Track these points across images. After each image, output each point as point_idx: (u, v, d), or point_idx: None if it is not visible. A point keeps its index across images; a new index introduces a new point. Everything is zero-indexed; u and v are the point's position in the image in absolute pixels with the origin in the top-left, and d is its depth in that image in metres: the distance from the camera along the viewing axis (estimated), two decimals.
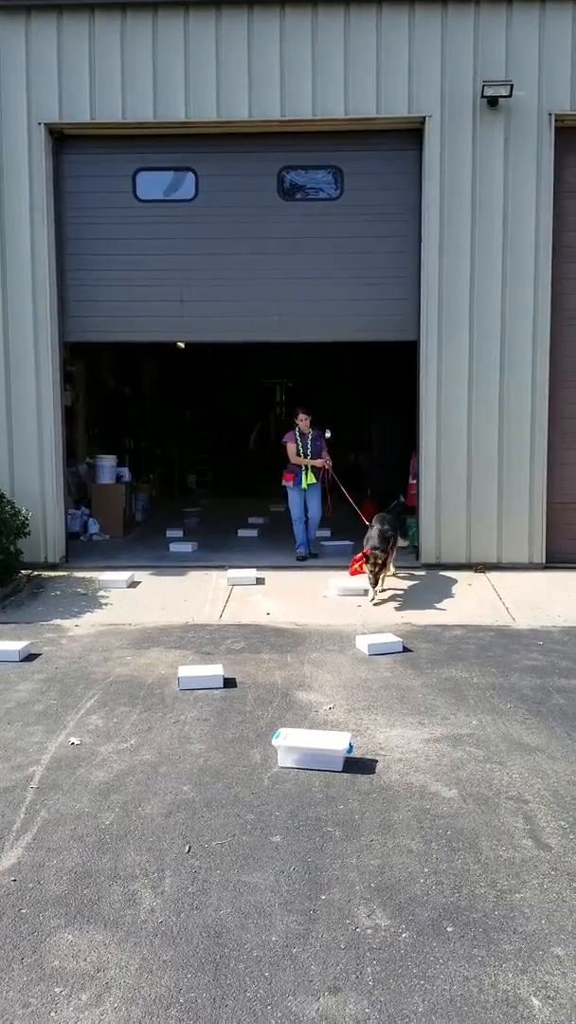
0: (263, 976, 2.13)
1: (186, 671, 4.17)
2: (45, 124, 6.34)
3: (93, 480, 8.21)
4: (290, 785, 3.10)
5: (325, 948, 2.23)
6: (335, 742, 3.24)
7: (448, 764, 3.27)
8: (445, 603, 5.65)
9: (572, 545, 6.54)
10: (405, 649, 4.65)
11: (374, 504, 8.04)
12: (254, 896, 2.45)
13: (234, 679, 4.18)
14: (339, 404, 10.53)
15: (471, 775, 3.18)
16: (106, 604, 5.70)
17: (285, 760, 3.23)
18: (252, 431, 12.52)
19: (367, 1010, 2.01)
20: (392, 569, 5.89)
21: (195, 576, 6.37)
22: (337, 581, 5.93)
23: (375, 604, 5.51)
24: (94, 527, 7.90)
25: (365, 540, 5.64)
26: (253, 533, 7.93)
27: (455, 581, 6.12)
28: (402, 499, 7.70)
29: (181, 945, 2.25)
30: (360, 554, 5.54)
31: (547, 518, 6.48)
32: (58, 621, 5.31)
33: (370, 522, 5.93)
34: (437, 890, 2.47)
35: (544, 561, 6.48)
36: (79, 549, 7.25)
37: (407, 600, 5.71)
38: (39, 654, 4.65)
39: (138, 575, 6.34)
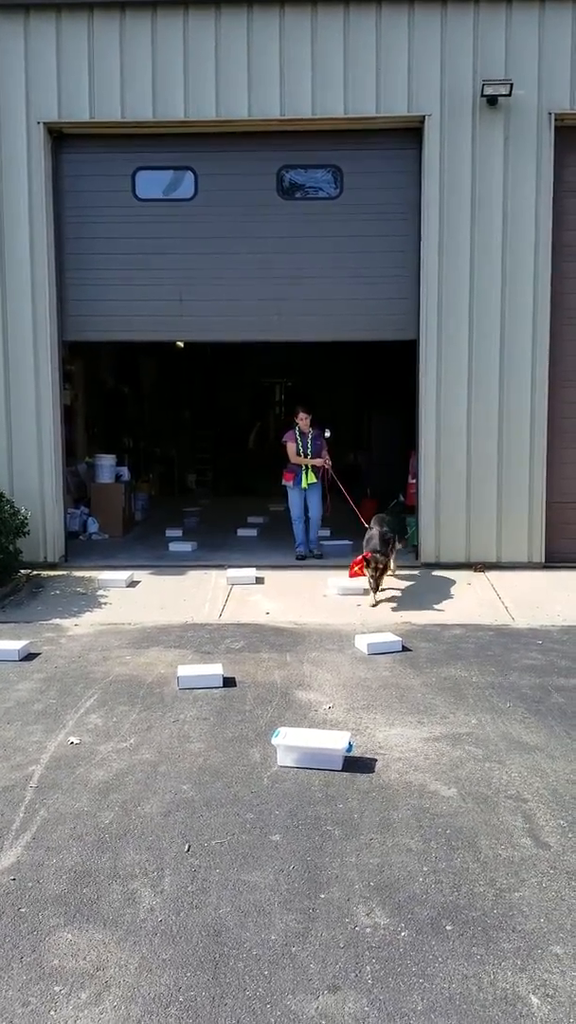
0: (262, 975, 2.13)
1: (185, 670, 4.17)
2: (44, 123, 6.33)
3: (92, 479, 8.21)
4: (289, 784, 3.10)
5: (324, 947, 2.23)
6: (334, 741, 3.24)
7: (447, 763, 3.27)
8: (444, 602, 5.66)
9: (571, 544, 6.55)
10: (404, 648, 4.65)
11: (374, 503, 8.05)
12: (253, 895, 2.45)
13: (233, 678, 4.18)
14: (338, 403, 10.53)
15: (470, 774, 3.18)
16: (105, 603, 5.70)
17: (284, 759, 3.24)
18: (251, 430, 12.51)
19: (366, 1008, 2.02)
20: (393, 568, 5.88)
21: (194, 575, 6.37)
22: (337, 580, 5.93)
23: (374, 606, 5.51)
24: (93, 526, 7.89)
25: (365, 542, 5.63)
26: (252, 532, 7.93)
27: (454, 580, 6.12)
28: (401, 498, 7.70)
29: (180, 944, 2.25)
30: (360, 557, 5.51)
31: (546, 517, 6.48)
32: (57, 620, 5.31)
33: (369, 523, 5.92)
34: (436, 889, 2.48)
35: (543, 560, 6.49)
36: (78, 548, 7.25)
37: (406, 599, 5.71)
38: (38, 653, 4.65)
39: (137, 574, 6.34)
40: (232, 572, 6.23)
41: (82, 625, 5.22)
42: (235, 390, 12.27)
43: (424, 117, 6.23)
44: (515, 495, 6.45)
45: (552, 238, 6.31)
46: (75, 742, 3.48)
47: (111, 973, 2.14)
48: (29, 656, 4.59)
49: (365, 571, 5.48)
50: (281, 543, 7.23)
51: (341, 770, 3.18)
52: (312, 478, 6.63)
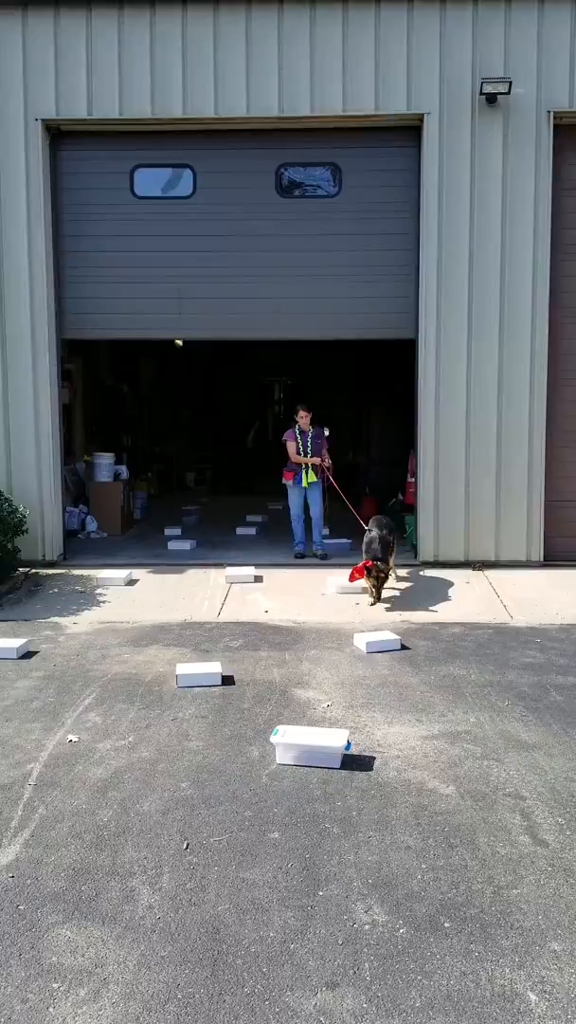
0: (261, 972, 2.13)
1: (184, 669, 4.17)
2: (42, 120, 6.31)
3: (91, 478, 8.20)
4: (288, 782, 3.10)
5: (323, 944, 2.23)
6: (333, 739, 3.25)
7: (446, 761, 3.28)
8: (443, 601, 5.66)
9: (570, 543, 6.55)
10: (403, 647, 4.65)
11: (373, 502, 8.05)
12: (252, 892, 2.45)
13: (232, 677, 4.19)
14: (338, 402, 10.52)
15: (469, 772, 3.19)
16: (104, 602, 5.69)
17: (283, 757, 3.24)
18: (250, 429, 12.50)
19: (365, 1005, 2.02)
20: (392, 568, 5.86)
21: (193, 574, 6.36)
22: (336, 579, 5.93)
23: (372, 605, 5.50)
24: (92, 525, 7.89)
25: (364, 546, 5.58)
26: (251, 531, 7.92)
27: (453, 579, 6.13)
28: (400, 497, 7.70)
29: (179, 941, 2.25)
30: (360, 564, 5.43)
31: (545, 516, 6.48)
32: (56, 619, 5.31)
33: (367, 524, 5.90)
34: (435, 886, 2.48)
35: (542, 559, 6.49)
36: (77, 547, 7.24)
37: (405, 598, 5.71)
38: (37, 651, 4.64)
39: (136, 573, 6.34)
40: (231, 571, 6.22)
41: (81, 623, 5.22)
42: (234, 388, 12.26)
43: (423, 115, 6.22)
44: (514, 494, 6.45)
45: (551, 236, 6.30)
46: (74, 740, 3.48)
47: (110, 970, 2.15)
48: (28, 654, 4.59)
49: (366, 580, 5.41)
50: (280, 542, 7.23)
51: (340, 768, 3.19)
52: (312, 477, 6.62)
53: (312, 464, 6.61)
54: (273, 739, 3.27)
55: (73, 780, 3.15)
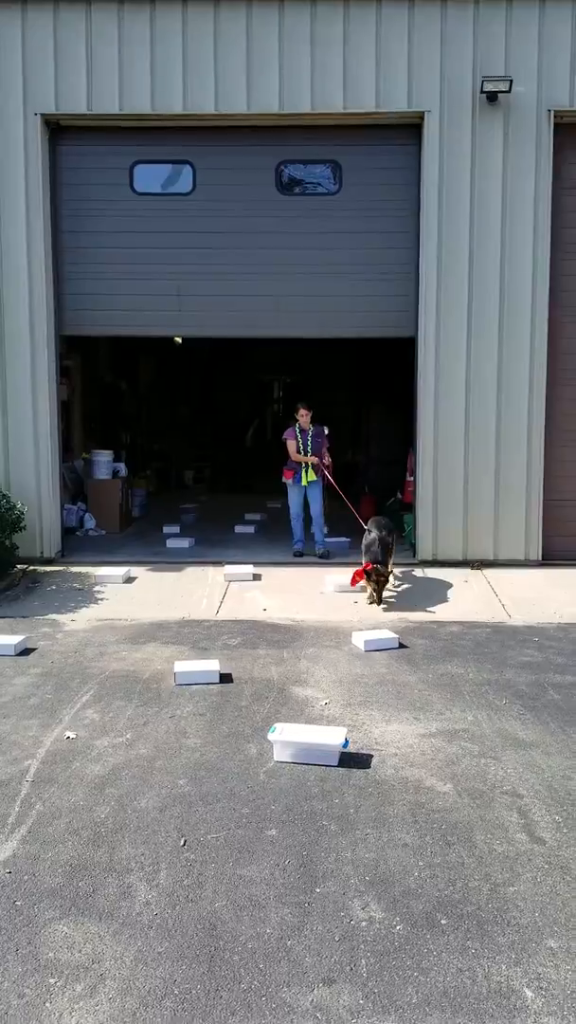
0: (258, 968, 2.13)
1: (182, 666, 4.17)
2: (41, 115, 6.29)
3: (89, 475, 8.19)
4: (286, 779, 3.10)
5: (320, 940, 2.23)
6: (331, 737, 3.25)
7: (443, 759, 3.28)
8: (441, 600, 5.66)
9: (568, 542, 6.56)
10: (401, 645, 4.65)
11: (371, 500, 8.05)
12: (249, 889, 2.45)
13: (230, 674, 4.18)
14: (337, 401, 10.52)
15: (466, 770, 3.19)
16: (102, 599, 5.69)
17: (281, 755, 3.24)
18: (249, 427, 12.49)
19: (361, 1001, 2.02)
20: (391, 569, 5.84)
21: (192, 572, 6.36)
22: (334, 578, 5.93)
23: (371, 603, 5.50)
24: (90, 522, 7.88)
25: (364, 548, 5.56)
26: (250, 529, 7.92)
27: (451, 578, 6.13)
28: (399, 496, 7.70)
29: (176, 937, 2.25)
30: (361, 568, 5.40)
31: (544, 515, 6.49)
32: (54, 616, 5.30)
33: (367, 524, 5.89)
34: (431, 883, 2.48)
35: (540, 558, 6.50)
36: (75, 544, 7.24)
37: (403, 597, 5.71)
38: (35, 648, 4.64)
39: (134, 570, 6.33)
40: (230, 569, 6.22)
41: (79, 620, 5.22)
42: (233, 386, 12.25)
43: (424, 113, 6.21)
44: (512, 493, 6.46)
45: (551, 235, 6.30)
46: (71, 737, 3.48)
47: (106, 966, 2.15)
48: (25, 651, 4.58)
49: (367, 583, 5.39)
50: (279, 540, 7.23)
51: (337, 766, 3.19)
52: (312, 476, 6.61)
53: (312, 463, 6.60)
54: (271, 737, 3.27)
55: (70, 777, 3.14)
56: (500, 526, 6.49)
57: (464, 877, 2.52)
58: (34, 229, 6.36)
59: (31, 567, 6.40)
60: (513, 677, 4.19)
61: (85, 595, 5.77)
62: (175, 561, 6.68)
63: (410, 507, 6.98)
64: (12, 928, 2.30)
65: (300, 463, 6.62)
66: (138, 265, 6.58)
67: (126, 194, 6.57)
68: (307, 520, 6.82)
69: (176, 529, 7.87)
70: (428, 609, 5.45)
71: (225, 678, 4.12)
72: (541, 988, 2.07)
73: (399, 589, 5.84)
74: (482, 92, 6.08)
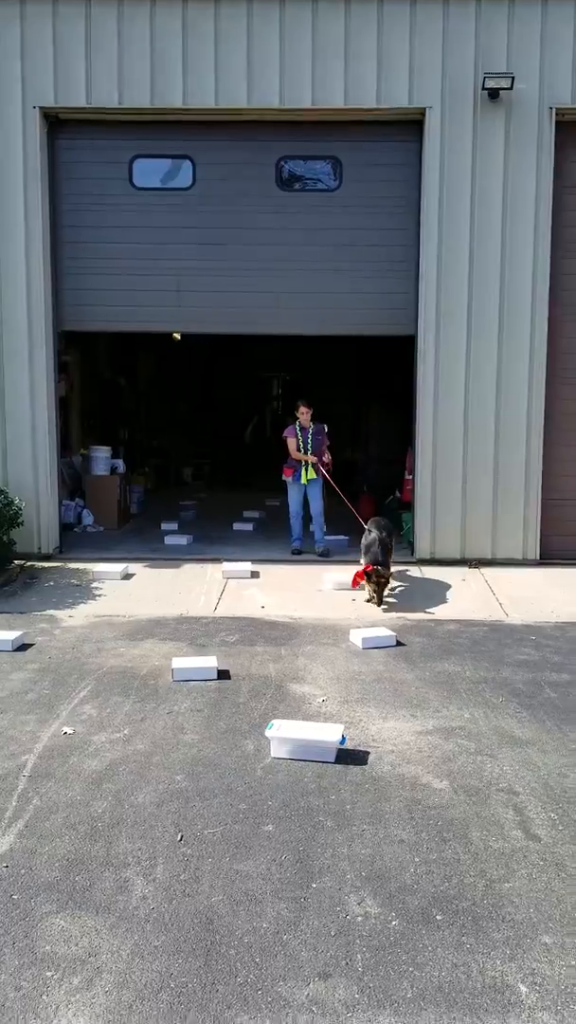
0: (254, 962, 2.14)
1: (180, 662, 4.18)
2: (40, 108, 6.26)
3: (87, 471, 8.17)
4: (283, 775, 3.11)
5: (315, 935, 2.24)
6: (328, 733, 3.26)
7: (440, 756, 3.29)
8: (439, 598, 5.68)
9: (566, 542, 6.57)
10: (398, 643, 4.66)
11: (370, 499, 8.05)
12: (246, 884, 2.46)
13: (228, 671, 4.19)
14: (336, 398, 10.52)
15: (462, 767, 3.20)
16: (100, 595, 5.69)
17: (278, 751, 3.25)
18: (248, 424, 12.48)
19: (356, 995, 2.03)
20: (391, 569, 5.82)
21: (190, 569, 6.36)
22: (332, 575, 5.94)
23: (368, 600, 5.51)
24: (88, 519, 7.87)
25: (364, 548, 5.55)
26: (248, 527, 7.92)
27: (449, 577, 6.14)
28: (398, 495, 7.70)
29: (172, 931, 2.26)
30: (361, 570, 5.38)
31: (542, 514, 6.50)
32: (52, 612, 5.30)
33: (366, 524, 5.88)
34: (427, 879, 2.50)
35: (538, 557, 6.51)
36: (73, 540, 7.23)
37: (401, 595, 5.72)
38: (32, 644, 4.64)
39: (132, 567, 6.33)
40: (228, 566, 6.22)
41: (76, 616, 5.21)
42: (232, 383, 12.23)
43: (425, 109, 6.20)
44: (511, 492, 6.46)
45: (552, 234, 6.30)
46: (69, 732, 3.48)
47: (103, 959, 2.15)
48: (23, 647, 4.58)
49: (367, 585, 5.37)
50: (277, 538, 7.23)
51: (334, 762, 3.20)
52: (312, 474, 6.60)
53: (311, 462, 6.58)
54: (268, 733, 3.28)
55: (68, 772, 3.15)
56: (498, 525, 6.49)
57: (460, 873, 2.53)
58: (32, 223, 6.33)
59: (29, 563, 6.40)
60: (510, 675, 4.21)
61: (83, 591, 5.77)
62: (173, 558, 6.68)
63: (409, 506, 6.99)
64: (9, 922, 2.30)
65: (300, 461, 6.62)
66: (137, 260, 6.56)
67: (125, 188, 6.54)
68: (306, 518, 6.82)
69: (174, 526, 7.86)
70: (426, 607, 5.46)
71: (223, 675, 4.13)
72: (535, 983, 2.08)
73: (396, 590, 5.84)
74: (484, 89, 6.07)
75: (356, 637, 4.68)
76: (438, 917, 2.32)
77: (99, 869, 2.54)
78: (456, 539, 6.51)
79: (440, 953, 2.18)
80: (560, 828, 2.79)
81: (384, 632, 4.73)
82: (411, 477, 6.89)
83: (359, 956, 2.16)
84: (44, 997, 2.03)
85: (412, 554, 6.61)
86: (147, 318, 6.71)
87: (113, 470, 8.21)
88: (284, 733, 3.26)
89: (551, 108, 6.17)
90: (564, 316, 6.47)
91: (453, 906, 2.37)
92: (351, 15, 6.11)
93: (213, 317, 6.68)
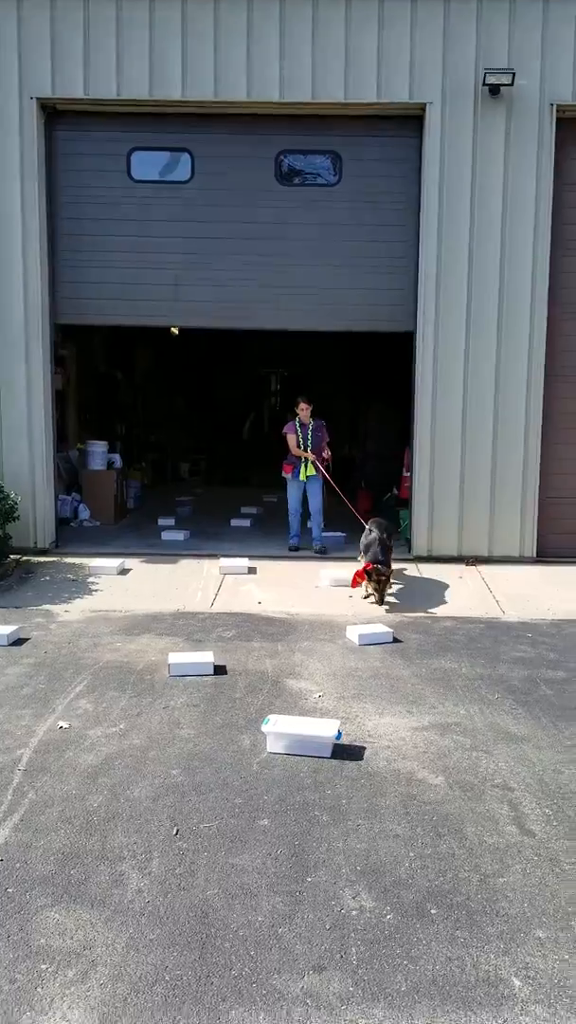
0: (248, 955, 2.15)
1: (176, 658, 4.17)
2: (37, 99, 6.21)
3: (84, 466, 8.15)
4: (279, 770, 3.12)
5: (310, 928, 2.25)
6: (324, 729, 3.26)
7: (435, 752, 3.30)
8: (436, 595, 5.68)
9: (563, 540, 6.59)
10: (395, 639, 4.67)
11: (368, 496, 8.05)
12: (241, 878, 2.47)
13: (224, 666, 4.19)
14: (334, 395, 10.50)
15: (458, 763, 3.21)
16: (96, 590, 5.68)
17: (274, 746, 3.25)
18: (246, 420, 12.45)
19: (351, 988, 2.04)
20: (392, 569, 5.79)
21: (187, 564, 6.35)
22: (329, 572, 5.94)
23: (365, 598, 5.50)
24: (84, 513, 7.84)
25: (363, 548, 5.53)
26: (246, 523, 7.91)
27: (446, 574, 6.15)
28: (395, 492, 7.70)
29: (168, 925, 2.26)
30: (361, 568, 5.35)
31: (539, 513, 6.51)
32: (48, 606, 5.29)
33: (366, 522, 5.87)
34: (422, 874, 2.50)
35: (535, 555, 6.53)
36: (69, 535, 7.21)
37: (398, 592, 5.72)
38: (28, 639, 4.63)
39: (129, 562, 6.31)
40: (225, 562, 6.22)
41: (72, 611, 5.20)
42: (230, 378, 12.19)
43: (425, 105, 6.17)
44: (508, 490, 6.47)
45: (551, 231, 6.29)
46: (64, 727, 3.48)
47: (98, 952, 2.15)
48: (18, 641, 4.57)
49: (368, 583, 5.34)
50: (275, 534, 7.22)
51: (330, 757, 3.20)
52: (311, 470, 6.59)
53: (311, 459, 6.56)
54: (264, 728, 3.28)
55: (63, 766, 3.15)
56: (496, 523, 6.50)
57: (454, 868, 2.54)
58: (29, 215, 6.29)
59: (25, 557, 6.38)
60: (506, 672, 4.22)
61: (79, 586, 5.76)
62: (170, 553, 6.67)
63: (406, 503, 6.99)
64: (4, 915, 2.30)
65: (299, 458, 6.60)
66: (135, 253, 6.52)
67: (123, 181, 6.50)
68: (305, 515, 6.81)
69: (171, 521, 7.85)
70: (423, 604, 5.46)
71: (219, 670, 4.13)
72: (529, 977, 2.09)
73: (394, 589, 5.84)
74: (484, 85, 6.05)
75: (353, 633, 4.69)
76: (432, 911, 2.33)
77: (94, 863, 2.54)
78: (453, 536, 6.52)
79: (434, 947, 2.18)
80: (554, 824, 2.81)
81: (381, 629, 4.73)
82: (409, 474, 6.88)
83: (353, 949, 2.17)
84: (39, 990, 2.03)
85: (409, 551, 6.61)
86: (145, 312, 6.68)
87: (110, 465, 8.18)
88: (280, 728, 3.26)
89: (552, 105, 6.16)
90: (563, 315, 6.47)
91: (447, 900, 2.38)
92: (352, 8, 6.07)
93: (211, 312, 6.65)
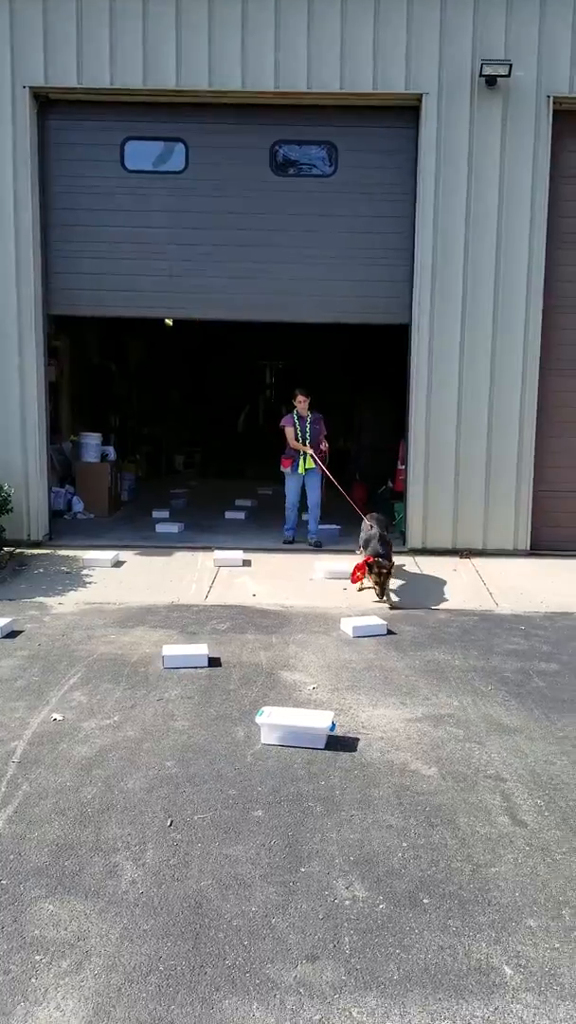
0: (242, 945, 2.16)
1: (170, 650, 4.17)
2: (30, 88, 6.12)
3: (78, 458, 8.10)
4: (272, 762, 3.12)
5: (304, 918, 2.26)
6: (318, 720, 3.27)
7: (429, 743, 3.32)
8: (430, 587, 5.70)
9: (557, 533, 6.62)
10: (389, 632, 4.69)
11: (363, 488, 8.05)
12: (235, 868, 2.48)
13: (219, 658, 4.19)
14: (330, 387, 10.47)
15: (451, 754, 3.23)
16: (90, 583, 5.66)
17: (268, 737, 3.26)
18: (241, 413, 12.40)
19: (344, 977, 2.05)
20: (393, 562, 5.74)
21: (181, 557, 6.34)
22: (323, 564, 5.94)
23: (360, 591, 5.50)
24: (78, 506, 7.81)
25: (362, 543, 5.51)
26: (240, 515, 7.89)
27: (440, 566, 6.17)
28: (390, 484, 7.71)
29: (162, 915, 2.27)
30: (361, 562, 5.33)
31: (533, 506, 6.53)
32: (41, 599, 5.27)
33: (364, 515, 5.85)
34: (415, 864, 2.52)
35: (529, 548, 6.56)
36: (63, 527, 7.18)
37: (392, 585, 5.73)
38: (22, 631, 4.61)
39: (123, 555, 6.30)
40: (219, 554, 6.21)
41: (66, 604, 5.19)
42: (225, 371, 12.13)
43: (421, 95, 6.12)
44: (503, 483, 6.49)
45: (547, 224, 6.27)
46: (58, 719, 3.47)
47: (92, 943, 2.16)
48: (12, 633, 4.55)
49: (368, 577, 5.32)
50: (269, 527, 7.21)
51: (324, 749, 3.22)
52: (309, 464, 6.58)
53: (309, 453, 6.54)
54: (258, 720, 3.28)
55: (57, 758, 3.14)
56: (490, 516, 6.52)
57: (447, 858, 2.56)
58: (22, 205, 6.21)
59: (18, 550, 6.35)
60: (499, 664, 4.24)
61: (73, 578, 5.74)
62: (164, 546, 6.65)
63: (401, 495, 6.99)
64: None
65: (297, 451, 6.59)
66: (129, 244, 6.46)
67: (117, 171, 6.43)
68: (301, 508, 6.80)
69: (166, 514, 7.83)
70: (417, 597, 5.48)
71: (213, 662, 4.13)
72: (520, 965, 2.11)
73: (395, 585, 5.84)
74: (481, 76, 6.00)
75: (347, 626, 4.69)
76: (425, 901, 2.35)
77: (88, 854, 2.54)
78: (448, 529, 6.53)
79: (426, 936, 2.20)
80: (546, 814, 2.83)
81: (375, 621, 4.74)
82: (404, 467, 6.89)
83: (346, 939, 2.18)
84: (33, 980, 2.04)
85: (404, 544, 6.63)
86: (139, 303, 6.63)
87: (104, 457, 8.13)
88: (274, 720, 3.27)
89: (549, 97, 6.12)
90: (559, 308, 6.46)
91: (440, 890, 2.40)
92: None
93: (205, 303, 6.60)
